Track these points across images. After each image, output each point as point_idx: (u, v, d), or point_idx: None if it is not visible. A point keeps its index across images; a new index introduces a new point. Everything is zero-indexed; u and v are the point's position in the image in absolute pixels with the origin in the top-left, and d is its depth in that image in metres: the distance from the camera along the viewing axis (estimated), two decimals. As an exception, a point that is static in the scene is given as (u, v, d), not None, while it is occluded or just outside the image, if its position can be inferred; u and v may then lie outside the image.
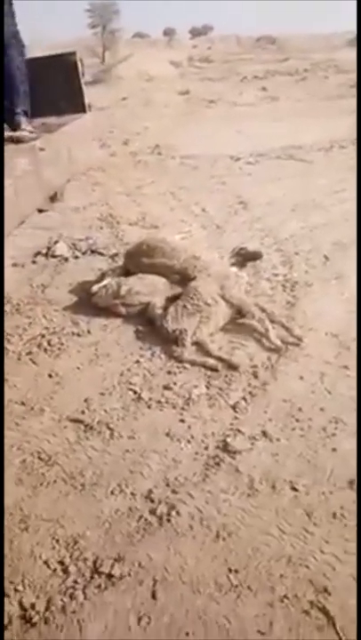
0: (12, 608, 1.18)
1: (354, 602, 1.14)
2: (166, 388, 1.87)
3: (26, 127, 3.23)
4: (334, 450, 1.56)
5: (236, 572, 1.22)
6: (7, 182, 2.48)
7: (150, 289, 2.36)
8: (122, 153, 5.49)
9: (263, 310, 2.23)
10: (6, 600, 1.20)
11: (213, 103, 8.54)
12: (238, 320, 2.25)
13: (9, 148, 2.96)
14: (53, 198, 3.52)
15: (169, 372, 1.96)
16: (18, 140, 3.12)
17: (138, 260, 2.53)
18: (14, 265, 2.85)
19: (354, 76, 8.98)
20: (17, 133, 3.18)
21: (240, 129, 6.26)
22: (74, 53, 3.77)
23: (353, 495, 1.40)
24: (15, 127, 3.23)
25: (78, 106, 3.81)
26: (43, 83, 3.30)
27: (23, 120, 3.24)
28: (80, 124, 3.76)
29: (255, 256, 2.72)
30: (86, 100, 3.91)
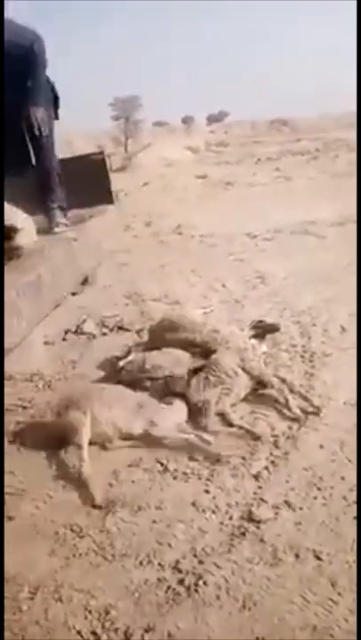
0: None
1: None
2: (191, 459, 1.94)
3: (60, 220, 3.57)
4: (356, 518, 1.59)
5: (263, 640, 1.25)
6: (45, 270, 2.72)
7: (174, 363, 2.48)
8: (145, 234, 5.85)
9: (283, 381, 2.33)
10: (41, 670, 1.24)
11: (230, 185, 9.06)
12: (259, 391, 2.34)
13: (47, 239, 3.28)
14: (85, 282, 3.79)
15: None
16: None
17: (161, 336, 2.68)
18: (46, 343, 3.03)
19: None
20: (54, 228, 3.54)
21: (255, 208, 6.62)
22: (102, 152, 4.25)
23: (376, 563, 1.43)
24: (51, 221, 3.58)
25: (106, 198, 4.23)
26: (76, 179, 3.68)
27: (58, 214, 3.59)
28: (108, 213, 4.14)
29: (273, 328, 2.84)
30: (113, 193, 4.32)
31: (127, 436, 2.08)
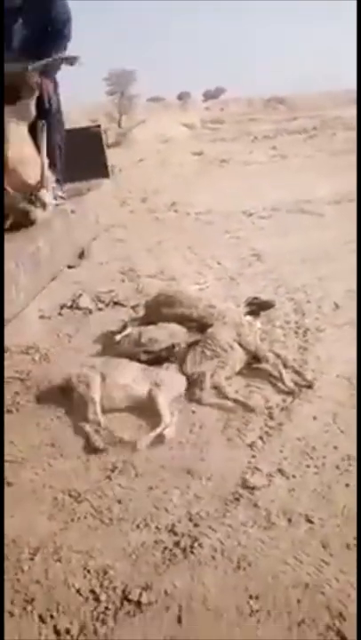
0: (47, 632, 1.27)
1: (368, 626, 1.21)
2: (187, 429, 1.98)
3: (58, 193, 3.57)
4: (348, 485, 1.64)
5: (257, 598, 1.30)
6: (44, 242, 2.72)
7: (170, 336, 2.50)
8: (140, 211, 5.80)
9: (277, 355, 2.36)
10: (42, 625, 1.28)
11: (225, 162, 8.98)
12: (254, 365, 2.38)
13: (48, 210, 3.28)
14: (81, 255, 3.79)
15: (189, 414, 2.07)
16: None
17: (157, 310, 2.70)
18: (41, 317, 3.04)
19: None
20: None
21: (251, 186, 6.58)
22: (99, 126, 4.22)
23: (366, 527, 1.48)
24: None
25: (102, 172, 4.20)
26: (72, 152, 3.66)
27: (56, 187, 3.59)
28: (104, 187, 4.11)
29: (268, 305, 2.87)
30: (109, 166, 4.29)
31: (134, 399, 2.12)
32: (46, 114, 3.43)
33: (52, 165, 3.56)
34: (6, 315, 2.33)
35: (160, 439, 1.91)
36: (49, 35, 3.35)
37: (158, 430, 1.93)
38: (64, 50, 3.43)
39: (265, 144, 11.11)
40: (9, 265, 2.33)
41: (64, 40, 3.40)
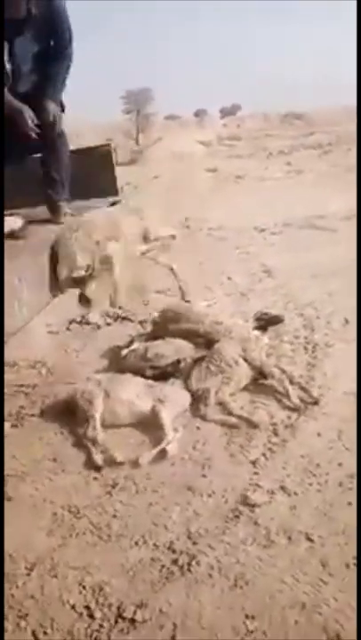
0: (40, 649, 1.26)
1: (366, 649, 1.18)
2: (190, 445, 1.97)
3: (67, 211, 3.62)
4: (350, 504, 1.61)
5: (253, 618, 1.28)
6: (47, 258, 2.77)
7: (176, 352, 2.50)
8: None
9: (283, 371, 2.34)
10: (36, 642, 1.28)
11: (240, 179, 9.03)
12: (260, 381, 2.36)
13: (50, 229, 3.33)
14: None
15: (193, 430, 2.06)
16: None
17: (164, 326, 2.71)
18: (50, 332, 3.07)
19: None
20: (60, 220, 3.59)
21: (265, 202, 6.59)
22: (109, 145, 4.30)
23: (368, 547, 1.45)
24: (57, 214, 3.61)
25: (112, 189, 4.28)
26: (82, 170, 3.73)
27: (64, 206, 3.63)
28: (113, 204, 4.20)
29: (276, 320, 2.86)
30: (118, 184, 4.36)
31: (137, 415, 2.11)
32: (52, 135, 3.45)
33: (61, 185, 3.60)
34: (9, 329, 2.36)
35: (162, 455, 1.90)
36: (55, 52, 3.31)
37: (161, 446, 1.92)
38: (67, 71, 3.40)
39: (280, 160, 11.14)
40: (12, 280, 2.37)
41: (68, 60, 3.34)
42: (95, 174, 4.04)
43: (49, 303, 2.89)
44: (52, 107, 3.33)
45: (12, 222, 2.99)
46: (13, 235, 2.93)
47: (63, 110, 3.55)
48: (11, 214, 3.09)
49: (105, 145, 4.37)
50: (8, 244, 2.82)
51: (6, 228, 2.88)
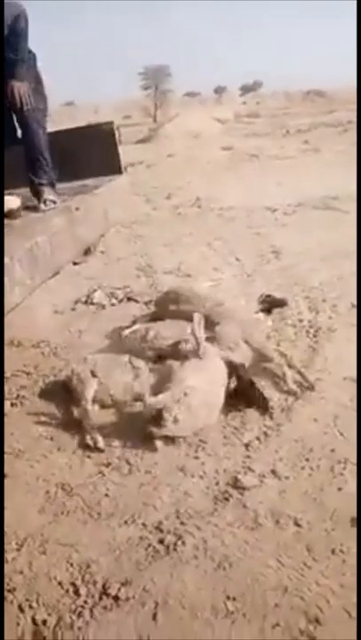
0: (25, 623, 1.29)
1: (344, 634, 1.19)
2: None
3: (48, 197, 3.57)
4: (340, 489, 1.61)
5: (234, 599, 1.29)
6: (43, 238, 2.76)
7: (177, 333, 2.50)
8: (164, 207, 5.81)
9: (283, 355, 2.33)
10: (21, 615, 1.31)
11: (255, 157, 8.89)
12: (262, 364, 2.35)
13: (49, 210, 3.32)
14: (87, 252, 3.83)
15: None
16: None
17: (166, 307, 2.70)
18: (55, 312, 3.09)
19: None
20: (41, 205, 3.55)
21: (279, 181, 6.49)
22: (111, 123, 4.26)
23: (354, 533, 1.44)
24: (38, 198, 3.58)
25: (115, 168, 4.23)
26: (84, 149, 3.69)
27: (46, 191, 3.60)
28: (116, 183, 4.15)
29: (281, 303, 2.83)
30: (122, 163, 4.32)
31: (134, 395, 2.12)
32: (21, 115, 3.43)
33: (37, 168, 3.56)
34: (-1, 308, 2.37)
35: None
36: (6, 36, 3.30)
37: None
38: (26, 43, 3.38)
39: (297, 138, 10.94)
40: (3, 259, 2.38)
41: (18, 38, 3.32)
42: (98, 153, 4.00)
43: (44, 282, 2.89)
44: (15, 85, 3.36)
45: (11, 202, 2.99)
46: (11, 214, 2.92)
47: (40, 86, 3.52)
48: (10, 194, 3.09)
49: (107, 123, 4.32)
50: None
51: (4, 208, 2.87)
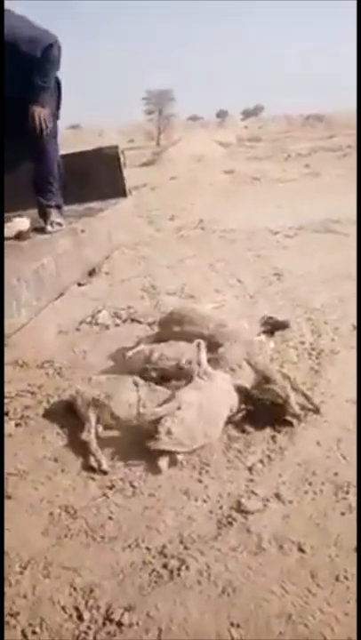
0: (28, 648, 1.28)
1: (349, 662, 1.18)
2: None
3: (55, 219, 3.65)
4: (343, 514, 1.61)
5: (238, 626, 1.28)
6: (49, 260, 2.81)
7: (180, 354, 2.51)
8: (167, 228, 5.88)
9: (286, 377, 2.34)
10: (24, 640, 1.30)
11: (257, 180, 9.01)
12: (263, 385, 2.35)
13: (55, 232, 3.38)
14: (92, 273, 3.87)
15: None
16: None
17: (170, 328, 2.72)
18: (60, 332, 3.11)
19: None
20: (47, 227, 3.63)
21: (280, 204, 6.57)
22: (116, 147, 4.37)
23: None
24: (45, 220, 3.65)
25: (120, 191, 4.32)
26: (89, 172, 3.77)
27: (54, 213, 3.67)
28: (121, 206, 4.23)
29: (283, 325, 2.85)
30: (127, 186, 4.40)
31: (139, 418, 2.12)
32: (39, 139, 3.52)
33: (47, 190, 3.64)
34: (7, 330, 2.39)
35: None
36: (32, 59, 3.35)
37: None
38: (56, 71, 3.48)
39: (298, 162, 11.09)
40: (10, 280, 2.41)
41: (46, 63, 3.39)
42: (102, 176, 4.09)
43: (50, 303, 2.93)
44: (37, 110, 3.44)
45: (21, 224, 3.04)
46: (21, 236, 2.97)
47: (58, 112, 3.60)
48: (19, 215, 3.14)
49: (112, 147, 4.44)
50: (10, 244, 2.86)
51: (14, 230, 2.92)
